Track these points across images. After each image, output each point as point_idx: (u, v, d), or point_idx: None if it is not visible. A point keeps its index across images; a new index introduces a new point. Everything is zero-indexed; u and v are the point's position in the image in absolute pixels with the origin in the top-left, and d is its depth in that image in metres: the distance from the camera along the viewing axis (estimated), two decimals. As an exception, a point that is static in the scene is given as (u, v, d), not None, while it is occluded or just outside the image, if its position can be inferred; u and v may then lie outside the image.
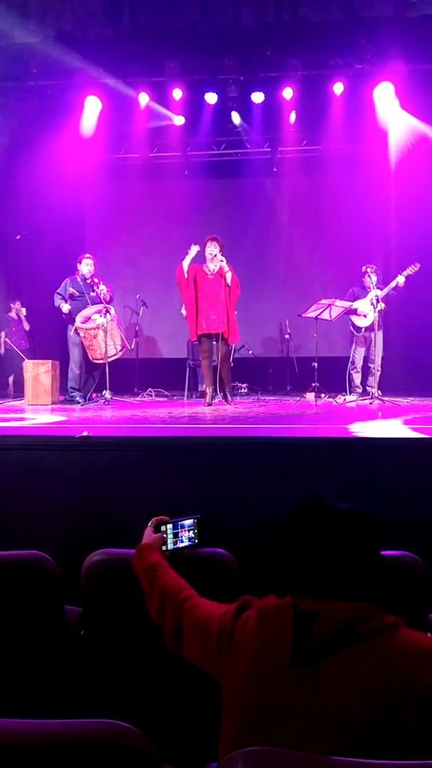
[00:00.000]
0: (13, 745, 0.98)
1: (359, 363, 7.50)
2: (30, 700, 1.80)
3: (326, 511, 1.22)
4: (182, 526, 1.81)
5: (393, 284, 6.93)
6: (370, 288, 7.10)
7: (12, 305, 8.91)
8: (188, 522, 1.82)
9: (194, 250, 6.15)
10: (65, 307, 6.88)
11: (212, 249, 6.13)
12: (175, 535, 1.79)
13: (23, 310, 8.91)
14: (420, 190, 8.34)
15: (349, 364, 7.45)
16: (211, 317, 6.10)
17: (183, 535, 1.81)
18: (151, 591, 1.56)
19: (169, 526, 1.79)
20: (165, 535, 1.77)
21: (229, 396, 6.32)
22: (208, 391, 6.28)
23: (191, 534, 1.83)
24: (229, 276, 6.09)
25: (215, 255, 6.10)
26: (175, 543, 1.79)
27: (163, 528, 1.78)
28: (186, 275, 6.22)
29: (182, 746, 1.65)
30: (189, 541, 1.82)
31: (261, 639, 1.18)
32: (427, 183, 8.26)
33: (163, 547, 1.75)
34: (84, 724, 1.01)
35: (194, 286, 6.23)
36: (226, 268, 6.07)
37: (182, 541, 1.80)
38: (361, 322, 7.33)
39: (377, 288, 6.91)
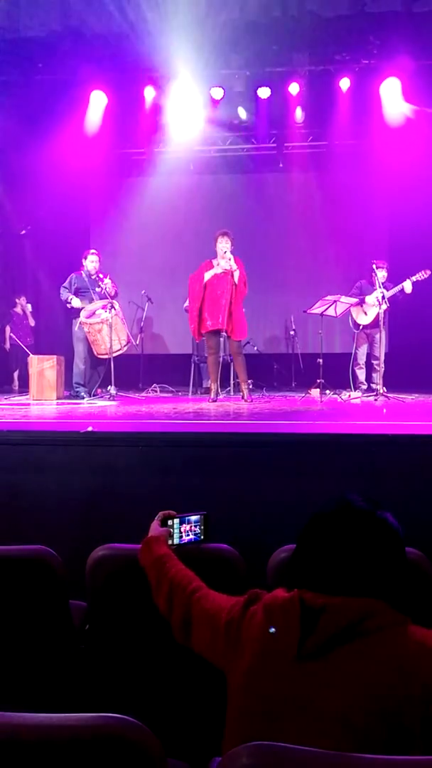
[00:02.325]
0: (18, 740, 0.98)
1: (362, 360, 7.48)
2: (35, 694, 1.81)
3: (346, 510, 1.22)
4: (189, 522, 1.81)
5: (399, 287, 6.89)
6: (376, 284, 7.05)
7: (17, 300, 8.92)
8: (195, 518, 1.83)
9: (225, 264, 5.96)
10: (75, 301, 6.87)
11: (224, 244, 5.99)
12: (182, 530, 1.80)
13: (29, 306, 8.93)
14: (426, 186, 8.31)
15: (352, 361, 7.43)
16: (217, 314, 5.99)
17: (189, 530, 1.81)
18: (159, 583, 1.56)
19: (176, 520, 1.79)
20: (171, 530, 1.78)
21: (245, 392, 6.22)
22: (213, 387, 6.27)
23: (197, 530, 1.83)
24: (237, 275, 5.98)
25: (226, 251, 5.97)
26: (181, 538, 1.79)
27: (169, 522, 1.78)
28: (206, 280, 6.07)
29: (187, 740, 1.65)
30: (195, 536, 1.82)
31: (268, 633, 1.18)
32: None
33: (169, 542, 1.75)
34: (88, 718, 1.01)
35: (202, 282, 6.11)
36: (235, 267, 5.95)
37: (188, 536, 1.81)
38: (362, 320, 7.30)
39: (384, 287, 6.87)
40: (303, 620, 1.13)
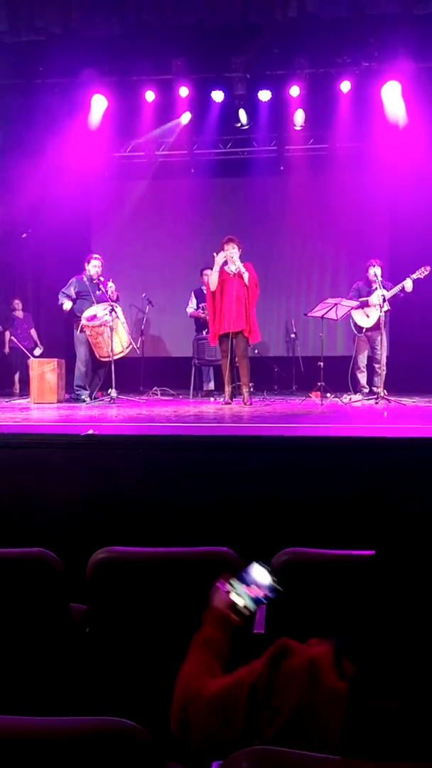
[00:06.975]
0: (17, 743, 0.98)
1: (363, 364, 7.45)
2: (35, 697, 1.80)
3: None
4: (250, 579, 1.45)
5: (399, 287, 6.87)
6: (374, 284, 7.02)
7: (15, 303, 8.94)
8: (256, 571, 1.47)
9: (220, 257, 6.15)
10: (67, 304, 6.94)
11: (230, 251, 6.15)
12: (247, 592, 1.43)
13: (18, 303, 8.92)
14: (427, 189, 8.31)
15: (352, 365, 7.39)
16: (231, 316, 6.13)
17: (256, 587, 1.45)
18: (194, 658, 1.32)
19: (236, 583, 1.45)
20: (235, 595, 1.43)
21: (246, 395, 6.29)
22: (227, 390, 6.34)
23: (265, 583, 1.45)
24: (246, 276, 6.14)
25: (232, 256, 6.13)
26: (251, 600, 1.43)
27: (230, 586, 1.44)
28: (213, 288, 6.27)
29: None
30: (266, 592, 1.44)
31: (308, 701, 1.02)
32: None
33: (240, 606, 1.41)
34: (88, 721, 1.01)
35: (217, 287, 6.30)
36: (243, 269, 6.13)
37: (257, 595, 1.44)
38: (364, 322, 7.26)
39: (383, 287, 6.86)
40: (349, 719, 0.95)
